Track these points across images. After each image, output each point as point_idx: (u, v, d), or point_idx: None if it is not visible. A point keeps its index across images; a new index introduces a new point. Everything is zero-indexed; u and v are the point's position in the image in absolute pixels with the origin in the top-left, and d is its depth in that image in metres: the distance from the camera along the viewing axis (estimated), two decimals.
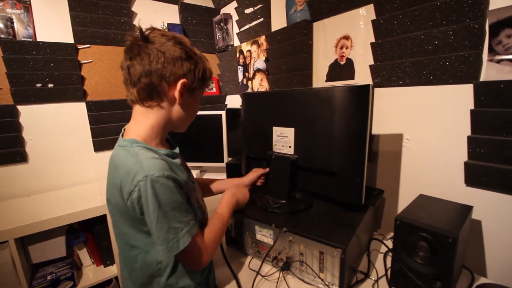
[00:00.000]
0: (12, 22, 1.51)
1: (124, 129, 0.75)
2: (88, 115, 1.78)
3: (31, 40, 1.57)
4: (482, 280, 0.82)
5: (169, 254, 0.63)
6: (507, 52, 0.78)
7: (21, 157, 1.57)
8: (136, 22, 1.94)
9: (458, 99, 0.89)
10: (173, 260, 0.69)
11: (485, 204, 0.86)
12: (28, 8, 1.55)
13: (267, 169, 1.03)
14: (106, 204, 0.74)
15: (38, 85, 1.59)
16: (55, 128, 1.68)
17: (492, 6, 0.80)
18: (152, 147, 0.68)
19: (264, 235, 0.90)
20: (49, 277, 1.33)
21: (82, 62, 1.73)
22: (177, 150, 0.78)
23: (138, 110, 0.70)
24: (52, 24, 1.64)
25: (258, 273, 0.83)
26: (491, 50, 0.81)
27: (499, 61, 0.80)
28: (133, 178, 0.59)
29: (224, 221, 0.81)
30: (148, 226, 0.63)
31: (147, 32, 0.66)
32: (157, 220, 0.60)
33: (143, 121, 0.70)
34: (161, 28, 0.72)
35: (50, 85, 1.63)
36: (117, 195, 0.64)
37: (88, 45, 1.75)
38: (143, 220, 0.63)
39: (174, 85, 0.67)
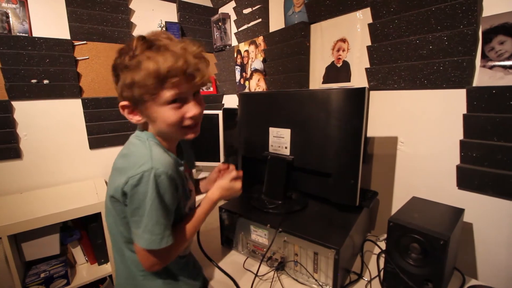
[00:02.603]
0: (7, 17, 1.49)
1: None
2: (84, 112, 1.77)
3: (26, 35, 1.55)
4: (473, 282, 0.83)
5: (148, 245, 0.63)
6: (500, 58, 0.80)
7: (15, 153, 1.55)
8: (133, 19, 1.93)
9: (451, 104, 0.91)
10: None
11: (476, 207, 0.88)
12: (24, 3, 1.54)
13: (241, 172, 0.87)
14: (106, 203, 0.73)
15: (33, 81, 1.58)
16: (50, 124, 1.66)
17: (486, 13, 0.82)
18: (164, 147, 0.70)
19: (259, 235, 0.90)
20: (42, 275, 1.32)
21: (78, 58, 1.72)
22: (183, 158, 0.79)
23: None
24: (48, 19, 1.62)
25: (256, 275, 0.83)
26: (484, 56, 0.83)
27: (491, 67, 0.82)
28: (140, 166, 0.61)
29: (194, 226, 0.75)
30: (131, 216, 0.64)
31: None
32: (150, 209, 0.61)
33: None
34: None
35: (46, 81, 1.62)
36: (118, 182, 0.63)
37: (84, 42, 1.73)
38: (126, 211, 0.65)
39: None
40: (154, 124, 0.67)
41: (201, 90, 0.72)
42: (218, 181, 0.82)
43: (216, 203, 0.80)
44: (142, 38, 0.62)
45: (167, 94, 0.60)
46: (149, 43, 0.60)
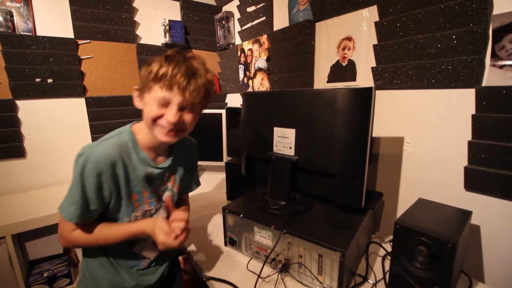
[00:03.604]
0: (11, 16, 1.49)
1: None
2: (88, 111, 1.77)
3: (30, 34, 1.55)
4: (480, 286, 0.82)
5: (59, 207, 0.73)
6: (510, 57, 0.78)
7: (19, 152, 1.56)
8: (137, 18, 1.93)
9: (459, 104, 0.89)
10: None
11: (484, 209, 0.86)
12: (28, 2, 1.54)
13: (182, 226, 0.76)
14: None
15: (37, 80, 1.58)
16: (54, 123, 1.67)
17: (496, 11, 0.80)
18: (136, 144, 0.78)
19: (263, 236, 0.89)
20: (45, 274, 1.32)
21: (82, 57, 1.72)
22: (164, 164, 0.84)
23: None
24: (52, 18, 1.63)
25: (259, 276, 0.82)
26: (494, 55, 0.81)
27: (501, 67, 0.80)
28: (90, 144, 0.73)
29: (105, 235, 0.77)
30: None
31: None
32: (73, 180, 0.71)
33: None
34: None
35: (50, 80, 1.62)
36: None
37: (88, 41, 1.73)
38: None
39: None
40: (144, 112, 0.75)
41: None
42: (159, 221, 0.76)
43: (143, 234, 0.77)
44: (176, 51, 0.74)
45: (157, 90, 0.71)
46: (171, 56, 0.72)
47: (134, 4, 1.91)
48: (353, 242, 0.78)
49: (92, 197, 0.71)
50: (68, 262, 1.41)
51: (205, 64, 0.76)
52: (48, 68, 1.61)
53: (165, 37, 2.00)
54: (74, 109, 1.73)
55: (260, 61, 1.82)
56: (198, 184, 1.04)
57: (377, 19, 1.07)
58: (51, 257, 1.41)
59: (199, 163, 1.84)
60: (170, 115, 0.71)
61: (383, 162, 1.13)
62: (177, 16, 2.14)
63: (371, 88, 0.76)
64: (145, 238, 0.83)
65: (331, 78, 1.35)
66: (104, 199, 0.74)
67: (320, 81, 1.41)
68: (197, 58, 0.75)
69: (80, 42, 1.71)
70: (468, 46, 0.85)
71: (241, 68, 2.04)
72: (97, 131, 1.80)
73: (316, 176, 0.93)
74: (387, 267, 0.85)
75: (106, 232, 0.77)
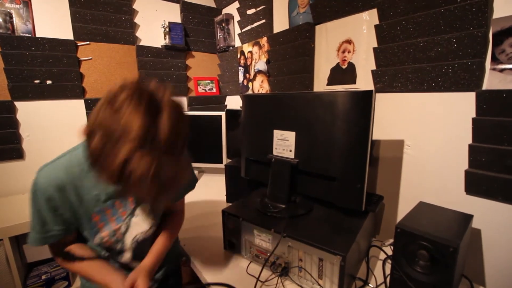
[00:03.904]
0: (11, 17, 1.49)
1: None
2: (87, 113, 1.76)
3: (30, 35, 1.55)
4: None
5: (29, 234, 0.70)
6: (511, 61, 0.78)
7: (17, 153, 1.55)
8: (137, 20, 1.93)
9: (460, 107, 0.89)
10: None
11: (485, 213, 0.86)
12: (27, 3, 1.53)
13: None
14: None
15: (36, 81, 1.58)
16: (52, 125, 1.66)
17: (496, 14, 0.80)
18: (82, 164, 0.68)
19: (263, 240, 0.89)
20: (43, 277, 1.31)
21: (81, 59, 1.72)
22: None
23: None
24: (52, 20, 1.62)
25: (258, 279, 0.82)
26: (494, 59, 0.81)
27: (502, 70, 0.80)
28: (44, 164, 0.69)
29: (83, 273, 0.75)
30: None
31: None
32: (30, 206, 0.68)
33: None
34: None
35: (49, 82, 1.61)
36: None
37: (87, 42, 1.73)
38: None
39: None
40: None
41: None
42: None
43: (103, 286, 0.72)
44: (145, 126, 0.49)
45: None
46: (143, 141, 0.49)
47: (134, 6, 1.91)
48: (354, 246, 0.77)
49: (51, 219, 0.68)
50: None
51: (184, 138, 0.61)
52: (47, 70, 1.60)
53: (165, 39, 2.00)
54: (73, 111, 1.73)
55: (260, 64, 1.82)
56: (191, 187, 0.94)
57: (377, 22, 1.07)
58: (49, 260, 1.40)
59: (198, 165, 1.84)
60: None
61: (383, 165, 1.13)
62: (177, 18, 2.14)
63: (371, 91, 0.76)
64: (135, 266, 0.78)
65: (331, 80, 1.35)
66: (65, 220, 0.70)
67: (320, 84, 1.41)
68: (171, 127, 0.53)
69: (79, 43, 1.70)
70: (469, 49, 0.85)
71: (241, 70, 2.04)
72: None
73: (316, 179, 0.92)
74: (387, 271, 0.85)
75: (81, 269, 0.74)
